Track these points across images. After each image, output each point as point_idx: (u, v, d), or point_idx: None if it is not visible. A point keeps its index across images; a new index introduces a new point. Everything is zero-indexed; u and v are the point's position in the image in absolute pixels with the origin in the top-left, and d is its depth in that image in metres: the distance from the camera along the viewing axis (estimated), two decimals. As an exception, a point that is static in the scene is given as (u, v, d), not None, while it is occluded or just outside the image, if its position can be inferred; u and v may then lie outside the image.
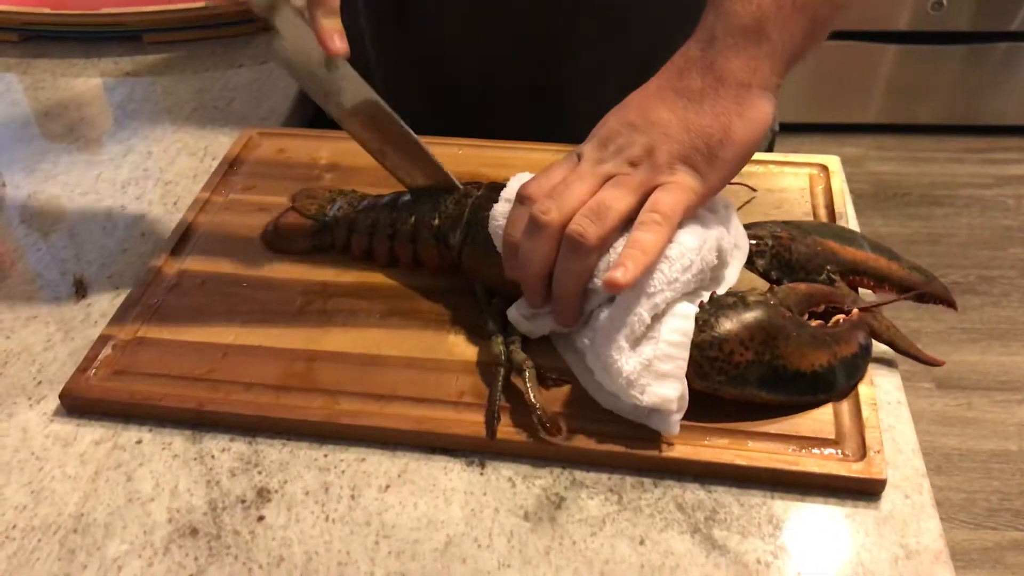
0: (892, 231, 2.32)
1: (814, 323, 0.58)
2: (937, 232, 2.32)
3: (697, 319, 0.54)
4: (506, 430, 0.56)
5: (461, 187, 0.68)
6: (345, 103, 0.66)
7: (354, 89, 0.66)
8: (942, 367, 1.92)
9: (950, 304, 0.64)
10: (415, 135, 0.68)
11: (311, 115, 0.98)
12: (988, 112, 2.58)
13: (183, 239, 0.72)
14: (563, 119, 0.79)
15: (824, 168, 0.76)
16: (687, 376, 0.54)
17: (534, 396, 0.56)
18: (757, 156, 0.77)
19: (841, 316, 0.59)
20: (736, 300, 0.55)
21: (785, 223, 0.64)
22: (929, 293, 0.63)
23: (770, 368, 0.55)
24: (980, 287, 2.15)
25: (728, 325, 0.54)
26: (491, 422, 0.56)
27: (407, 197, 0.70)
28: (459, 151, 0.80)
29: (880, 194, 2.44)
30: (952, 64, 2.48)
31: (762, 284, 0.61)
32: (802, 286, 0.59)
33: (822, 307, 0.59)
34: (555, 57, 0.84)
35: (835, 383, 0.57)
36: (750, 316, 0.55)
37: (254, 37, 1.04)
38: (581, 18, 0.81)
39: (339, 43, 0.60)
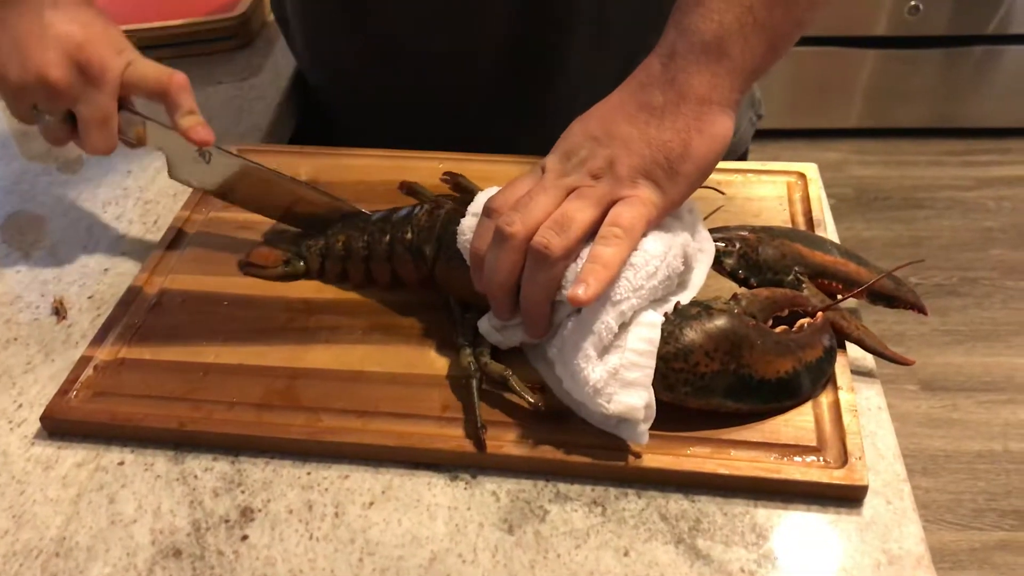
0: (875, 234, 2.33)
1: (779, 329, 0.58)
2: (919, 235, 2.33)
3: (662, 330, 0.55)
4: (489, 443, 0.56)
5: (367, 212, 0.70)
6: (230, 180, 0.71)
7: (232, 165, 0.71)
8: (927, 370, 1.92)
9: (920, 309, 0.64)
10: (298, 182, 0.72)
11: (291, 132, 0.98)
12: (967, 114, 2.60)
13: (163, 258, 0.72)
14: (545, 132, 0.80)
15: (801, 176, 0.76)
16: (654, 388, 0.54)
17: (531, 397, 0.57)
18: (735, 165, 0.79)
19: (806, 320, 0.59)
20: (700, 311, 0.56)
21: (753, 227, 0.65)
22: (898, 298, 0.64)
23: (736, 377, 0.55)
24: (962, 288, 2.16)
25: (692, 336, 0.54)
26: (476, 434, 0.56)
27: (378, 216, 0.70)
28: (439, 164, 0.80)
29: (862, 198, 2.46)
30: (930, 68, 2.50)
31: (730, 286, 0.62)
32: (764, 291, 0.59)
33: (786, 312, 0.59)
34: (539, 69, 0.84)
35: (800, 389, 0.57)
36: (714, 326, 0.55)
37: (233, 54, 1.04)
38: (564, 30, 0.82)
39: (203, 133, 0.66)
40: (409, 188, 0.74)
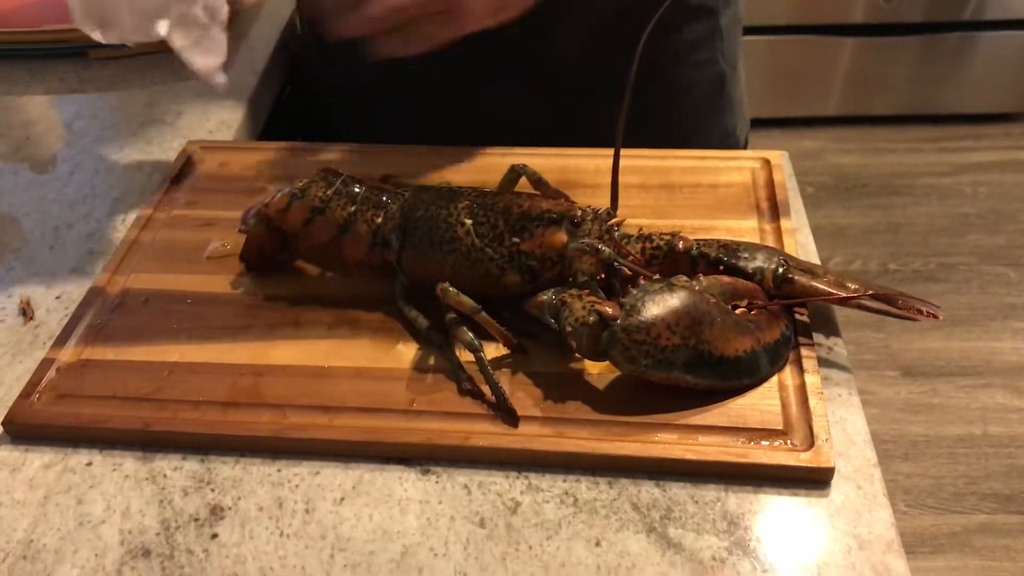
0: (853, 222, 2.34)
1: (738, 311, 0.59)
2: (897, 221, 2.35)
3: (624, 304, 0.56)
4: (458, 434, 0.56)
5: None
6: None
7: None
8: (907, 355, 1.93)
9: (932, 315, 0.61)
10: None
11: (260, 127, 0.97)
12: (943, 101, 2.62)
13: (126, 257, 0.71)
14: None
15: (766, 162, 0.76)
16: (616, 360, 0.56)
17: (512, 340, 0.60)
18: (699, 153, 0.79)
19: (762, 306, 0.60)
20: (663, 286, 0.57)
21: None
22: (904, 303, 0.61)
23: (696, 352, 0.56)
24: (940, 274, 2.18)
25: (655, 310, 0.55)
26: (508, 408, 0.57)
27: (362, 188, 0.68)
28: (407, 158, 0.80)
29: (840, 185, 2.47)
30: (907, 55, 2.51)
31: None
32: (726, 278, 0.60)
33: (745, 302, 0.60)
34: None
35: (759, 368, 0.58)
36: (676, 301, 0.56)
37: (202, 50, 1.03)
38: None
39: None
40: (390, 181, 0.74)
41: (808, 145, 2.59)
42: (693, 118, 0.93)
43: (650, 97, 0.71)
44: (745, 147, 1.02)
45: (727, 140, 0.98)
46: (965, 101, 2.61)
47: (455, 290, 0.60)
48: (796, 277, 0.61)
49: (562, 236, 0.61)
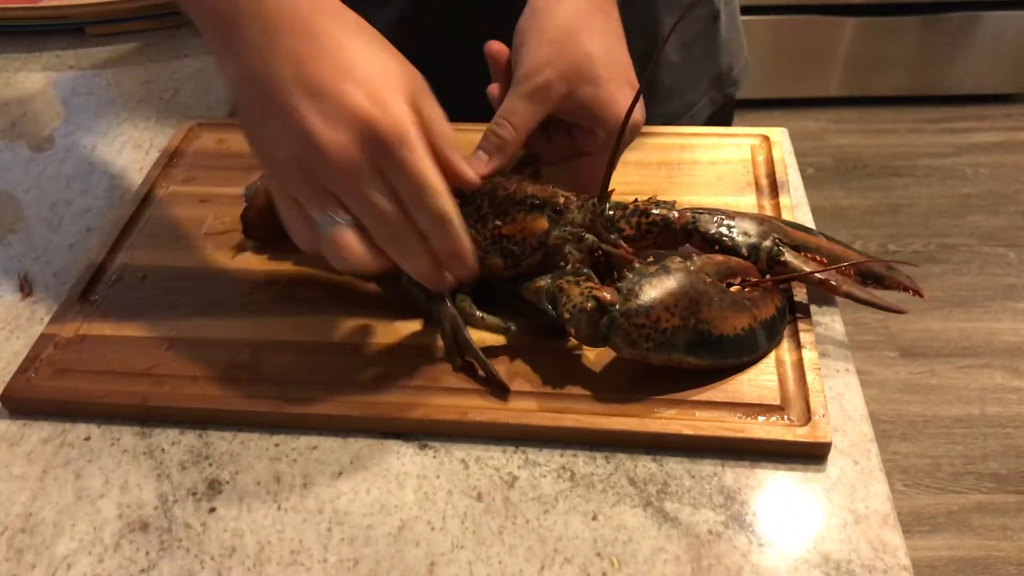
0: (853, 203, 2.34)
1: (732, 290, 0.59)
2: (898, 202, 2.34)
3: (621, 288, 0.55)
4: (456, 409, 0.56)
5: None
6: None
7: None
8: (906, 336, 1.92)
9: (916, 292, 0.64)
10: None
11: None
12: (945, 82, 2.60)
13: (123, 234, 0.71)
14: None
15: (765, 139, 0.76)
16: (617, 346, 0.55)
17: (504, 324, 0.60)
18: (699, 130, 0.79)
19: (754, 283, 0.60)
20: (659, 268, 0.56)
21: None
22: (891, 279, 0.63)
23: (695, 333, 0.55)
24: (940, 255, 2.17)
25: (653, 292, 0.55)
26: (497, 381, 0.57)
27: None
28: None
29: (841, 166, 2.46)
30: (909, 35, 2.50)
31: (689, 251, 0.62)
32: (719, 257, 0.60)
33: (738, 280, 0.60)
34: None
35: (757, 345, 0.58)
36: (673, 282, 0.56)
37: (199, 27, 1.03)
38: None
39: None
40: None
41: (809, 125, 2.58)
42: (682, 61, 0.89)
43: (636, 46, 0.70)
44: (736, 87, 0.97)
45: (721, 83, 0.94)
46: (967, 82, 2.60)
47: (481, 314, 0.60)
48: (788, 260, 0.61)
49: (543, 223, 0.60)
